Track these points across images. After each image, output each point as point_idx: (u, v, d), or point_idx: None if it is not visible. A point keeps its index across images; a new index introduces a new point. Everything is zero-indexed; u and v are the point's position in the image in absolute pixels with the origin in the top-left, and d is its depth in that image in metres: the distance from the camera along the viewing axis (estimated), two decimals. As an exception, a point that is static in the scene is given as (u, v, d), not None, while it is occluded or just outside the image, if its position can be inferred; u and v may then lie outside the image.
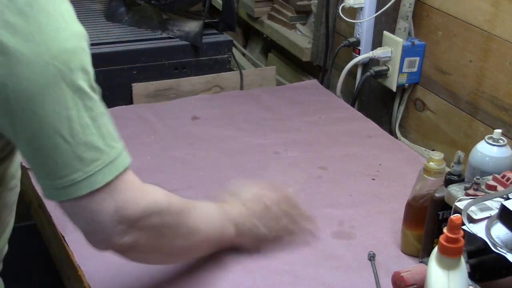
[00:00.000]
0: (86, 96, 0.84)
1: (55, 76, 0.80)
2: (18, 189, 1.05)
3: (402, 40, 1.68)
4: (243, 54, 2.43)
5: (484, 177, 1.12)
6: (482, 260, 1.03)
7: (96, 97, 0.86)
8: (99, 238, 0.92)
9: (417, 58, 1.69)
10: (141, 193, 0.94)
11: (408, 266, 1.02)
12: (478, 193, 1.08)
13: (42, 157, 0.84)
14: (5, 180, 1.00)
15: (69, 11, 0.84)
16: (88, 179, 0.85)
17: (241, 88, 1.94)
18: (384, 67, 1.73)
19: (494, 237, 0.98)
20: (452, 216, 0.91)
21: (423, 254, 1.18)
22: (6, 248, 1.09)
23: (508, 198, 1.03)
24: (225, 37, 1.97)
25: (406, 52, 1.68)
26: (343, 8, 1.77)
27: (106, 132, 0.87)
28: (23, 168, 1.44)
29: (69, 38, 0.82)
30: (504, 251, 0.96)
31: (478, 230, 1.00)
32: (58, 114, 0.81)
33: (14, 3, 0.79)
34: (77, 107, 0.83)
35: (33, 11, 0.79)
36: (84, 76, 0.83)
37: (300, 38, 2.10)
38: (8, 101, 0.80)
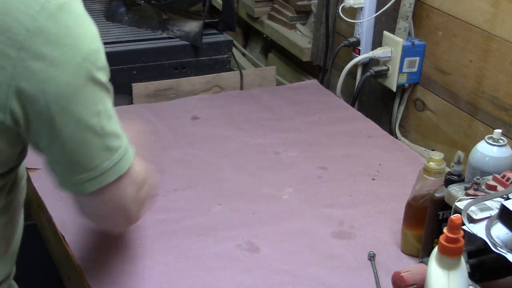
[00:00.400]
0: (108, 90, 0.90)
1: (86, 76, 0.85)
2: (25, 189, 1.06)
3: (402, 40, 1.68)
4: (243, 54, 2.43)
5: (484, 177, 1.12)
6: (482, 260, 1.03)
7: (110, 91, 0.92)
8: (122, 221, 1.00)
9: (417, 58, 1.69)
10: (147, 173, 1.01)
11: (408, 266, 1.02)
12: (478, 193, 1.08)
13: (74, 155, 0.88)
14: (17, 181, 1.02)
15: (86, 12, 0.89)
16: (115, 166, 0.90)
17: (241, 88, 1.94)
18: (384, 67, 1.73)
19: (494, 237, 0.98)
20: (452, 216, 0.91)
21: (423, 254, 1.18)
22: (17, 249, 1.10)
23: (508, 198, 1.03)
24: (225, 37, 1.97)
25: (406, 52, 1.68)
26: (343, 8, 1.77)
27: (118, 119, 0.93)
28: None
29: (94, 38, 0.88)
30: (504, 251, 0.96)
31: (478, 230, 1.00)
32: (90, 111, 0.87)
33: (45, 9, 0.82)
34: (103, 101, 0.89)
35: (63, 16, 0.84)
36: (105, 72, 0.89)
37: (300, 38, 2.10)
38: (48, 106, 0.84)
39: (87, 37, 0.87)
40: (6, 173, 0.94)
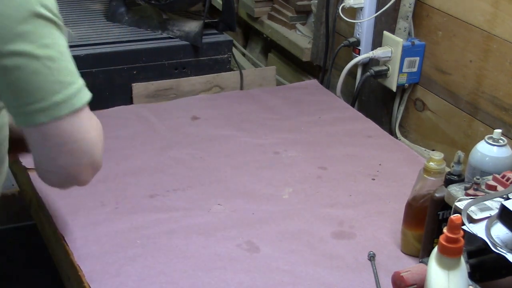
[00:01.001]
0: (57, 25, 0.93)
1: (29, 11, 0.89)
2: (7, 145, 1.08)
3: (402, 40, 1.68)
4: (243, 54, 2.43)
5: (484, 177, 1.12)
6: (482, 260, 1.03)
7: (63, 30, 0.95)
8: (87, 158, 0.97)
9: (417, 58, 1.69)
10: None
11: (408, 266, 1.02)
12: (478, 193, 1.08)
13: (22, 84, 0.91)
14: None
15: None
16: (69, 101, 0.92)
17: (241, 88, 1.94)
18: (384, 67, 1.73)
19: (494, 237, 0.98)
20: (452, 216, 0.91)
21: (423, 254, 1.18)
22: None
23: (508, 198, 1.03)
24: (225, 37, 1.97)
25: (406, 52, 1.68)
26: (343, 8, 1.77)
27: (73, 62, 0.95)
28: (22, 168, 1.44)
29: None
30: (504, 251, 0.96)
31: (478, 230, 1.00)
32: (38, 44, 0.90)
33: None
34: (52, 36, 0.92)
35: None
36: (51, 9, 0.92)
37: (300, 38, 2.10)
38: None
39: None
40: None
